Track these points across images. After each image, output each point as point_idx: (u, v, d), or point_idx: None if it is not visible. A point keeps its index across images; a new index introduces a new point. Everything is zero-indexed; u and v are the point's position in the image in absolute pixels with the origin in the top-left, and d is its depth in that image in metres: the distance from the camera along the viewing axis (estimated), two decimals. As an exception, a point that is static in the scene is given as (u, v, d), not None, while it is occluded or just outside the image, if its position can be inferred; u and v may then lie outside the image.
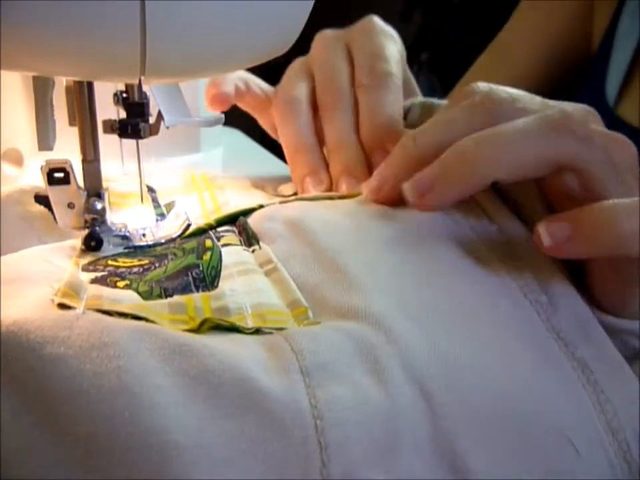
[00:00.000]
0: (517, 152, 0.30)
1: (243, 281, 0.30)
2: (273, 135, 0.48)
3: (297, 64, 0.46)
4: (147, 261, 0.33)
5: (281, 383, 0.23)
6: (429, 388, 0.24)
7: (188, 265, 0.32)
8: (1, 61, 0.29)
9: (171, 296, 0.29)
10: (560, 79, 0.70)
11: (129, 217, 0.39)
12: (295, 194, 0.42)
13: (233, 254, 0.33)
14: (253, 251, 0.33)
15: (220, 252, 0.33)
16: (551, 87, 0.68)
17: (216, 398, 0.22)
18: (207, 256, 0.32)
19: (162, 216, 0.40)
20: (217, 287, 0.30)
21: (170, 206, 0.41)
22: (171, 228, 0.39)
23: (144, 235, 0.38)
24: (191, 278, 0.31)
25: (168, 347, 0.24)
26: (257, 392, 0.22)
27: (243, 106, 0.48)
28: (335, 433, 0.22)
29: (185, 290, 0.30)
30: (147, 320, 0.26)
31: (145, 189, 0.41)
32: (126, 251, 0.37)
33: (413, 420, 0.24)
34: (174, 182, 0.46)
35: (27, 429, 0.22)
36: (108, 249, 0.36)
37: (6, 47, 0.28)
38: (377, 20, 0.45)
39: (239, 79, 0.46)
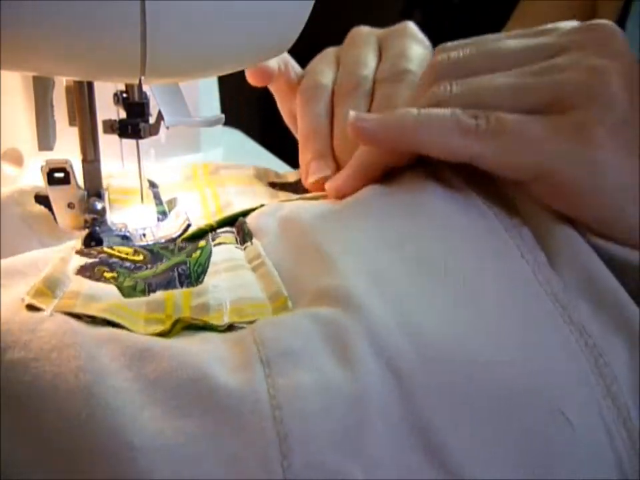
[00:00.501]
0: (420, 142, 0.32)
1: (228, 277, 0.30)
2: (289, 124, 0.48)
3: (326, 52, 0.47)
4: (141, 257, 0.33)
5: (240, 377, 0.23)
6: (399, 364, 0.23)
7: (176, 262, 0.32)
8: (1, 60, 0.29)
9: (154, 291, 0.29)
10: None
11: (130, 216, 0.39)
12: (299, 180, 0.42)
13: (223, 252, 0.33)
14: (245, 248, 0.33)
15: (210, 250, 0.33)
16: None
17: (175, 399, 0.22)
18: (196, 254, 0.32)
19: (163, 214, 0.40)
20: (201, 282, 0.30)
21: (172, 203, 0.41)
22: (171, 228, 0.39)
23: (144, 235, 0.38)
24: (176, 274, 0.30)
25: (129, 353, 0.24)
26: (215, 389, 0.22)
27: (273, 87, 0.47)
28: (295, 421, 0.22)
29: (168, 285, 0.30)
30: (117, 325, 0.26)
31: (145, 186, 0.41)
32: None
33: (382, 399, 0.23)
34: (175, 176, 0.45)
35: (4, 433, 0.22)
36: (108, 248, 0.36)
37: (6, 47, 0.28)
38: (411, 25, 0.46)
39: (280, 59, 0.46)
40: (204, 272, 0.31)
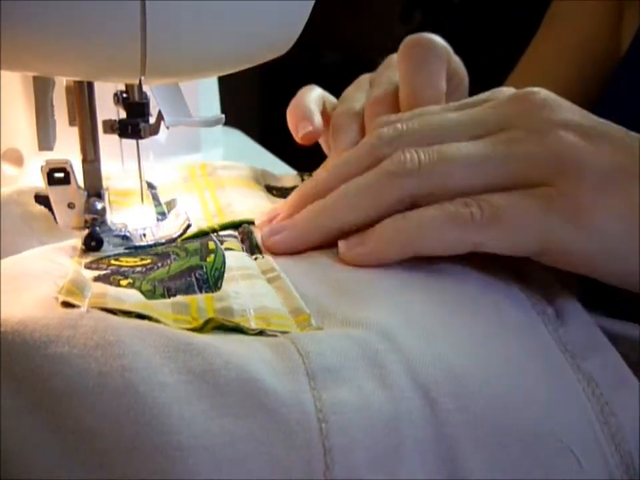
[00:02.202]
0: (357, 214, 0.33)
1: (246, 285, 0.30)
2: (326, 152, 0.48)
3: (361, 79, 0.47)
4: (149, 260, 0.33)
5: (287, 385, 0.23)
6: (433, 394, 0.24)
7: (191, 266, 0.32)
8: (1, 60, 0.29)
9: (174, 296, 0.29)
10: (593, 84, 0.69)
11: (130, 216, 0.39)
12: (296, 186, 0.42)
13: (236, 258, 0.33)
14: (256, 259, 0.33)
15: (223, 254, 0.33)
16: (585, 92, 0.67)
17: (221, 397, 0.22)
18: (210, 258, 0.32)
19: (162, 215, 0.40)
20: (219, 288, 0.30)
21: (171, 205, 0.41)
22: (171, 228, 0.39)
23: (144, 235, 0.38)
24: (194, 279, 0.31)
25: (172, 344, 0.24)
26: (263, 393, 0.22)
27: None
28: (339, 436, 0.22)
29: (188, 290, 0.30)
30: (150, 319, 0.26)
31: (145, 187, 0.41)
32: (127, 251, 0.37)
33: (417, 425, 0.24)
34: (173, 177, 0.45)
35: (30, 428, 0.22)
36: (108, 249, 0.36)
37: (6, 47, 0.28)
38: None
39: (317, 97, 0.45)
40: (221, 277, 0.31)
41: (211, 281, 0.31)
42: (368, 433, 0.23)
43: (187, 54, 0.31)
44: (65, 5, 0.26)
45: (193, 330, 0.26)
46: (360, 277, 0.31)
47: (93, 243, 0.36)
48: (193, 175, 0.45)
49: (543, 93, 0.33)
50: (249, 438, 0.22)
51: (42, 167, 0.36)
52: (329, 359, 0.24)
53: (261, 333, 0.26)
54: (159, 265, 0.33)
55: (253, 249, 0.35)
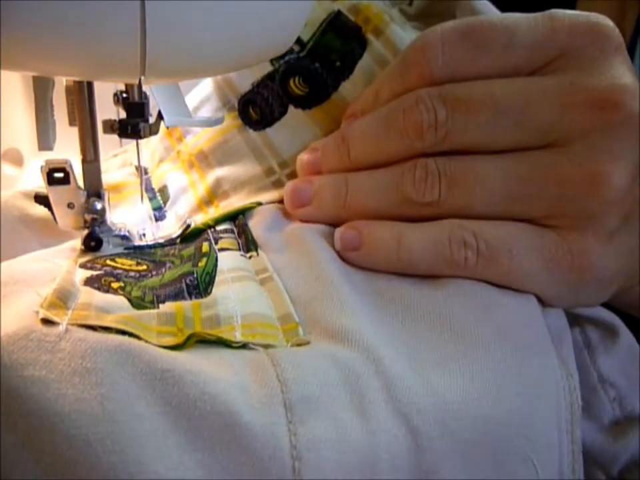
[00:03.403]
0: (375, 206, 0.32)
1: (237, 288, 0.30)
2: None
3: None
4: (144, 267, 0.33)
5: (263, 417, 0.23)
6: (415, 422, 0.24)
7: (183, 273, 0.31)
8: (1, 60, 0.29)
9: (163, 302, 0.29)
10: None
11: (129, 215, 0.39)
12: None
13: (229, 259, 0.33)
14: (250, 257, 0.33)
15: (216, 257, 0.32)
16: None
17: (196, 430, 0.22)
18: (202, 262, 0.32)
19: (159, 209, 0.40)
20: (210, 293, 0.30)
21: (164, 193, 0.41)
22: (170, 228, 0.39)
23: (144, 235, 0.38)
24: (184, 285, 0.30)
25: (150, 372, 0.23)
26: (237, 426, 0.22)
27: None
28: (312, 474, 0.22)
29: (177, 297, 0.30)
30: (131, 334, 0.26)
31: (135, 173, 0.40)
32: (125, 251, 0.36)
33: (395, 455, 0.23)
34: (158, 151, 0.44)
35: (9, 448, 0.22)
36: (108, 249, 0.36)
37: (6, 47, 0.28)
38: None
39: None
40: (212, 282, 0.31)
41: (202, 286, 0.30)
42: (342, 468, 0.23)
43: (187, 54, 0.31)
44: (65, 5, 0.26)
45: (176, 346, 0.26)
46: (353, 278, 0.30)
47: (92, 243, 0.36)
48: (171, 140, 0.44)
49: (634, 104, 0.29)
50: (222, 472, 0.22)
51: (42, 167, 0.36)
52: (309, 387, 0.24)
53: (244, 345, 0.26)
54: (153, 273, 0.32)
55: (249, 244, 0.34)
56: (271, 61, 0.39)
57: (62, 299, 0.28)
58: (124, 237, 0.37)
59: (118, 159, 0.45)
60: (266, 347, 0.26)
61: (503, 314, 0.29)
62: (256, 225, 0.36)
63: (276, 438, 0.22)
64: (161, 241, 0.38)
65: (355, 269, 0.32)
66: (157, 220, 0.40)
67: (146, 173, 0.43)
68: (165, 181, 0.42)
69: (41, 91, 0.37)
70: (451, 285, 0.30)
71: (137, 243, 0.38)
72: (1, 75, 0.48)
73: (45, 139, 0.37)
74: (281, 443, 0.22)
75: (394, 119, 0.32)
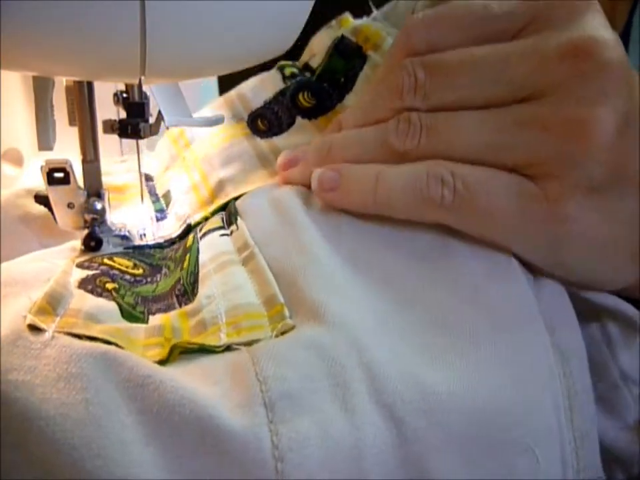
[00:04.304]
0: (394, 197, 0.31)
1: (220, 279, 0.30)
2: None
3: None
4: (141, 271, 0.33)
5: (244, 419, 0.22)
6: (400, 414, 0.24)
7: (174, 282, 0.31)
8: (1, 60, 0.29)
9: (154, 314, 0.29)
10: None
11: (129, 215, 0.39)
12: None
13: (210, 247, 0.32)
14: (232, 232, 0.33)
15: (197, 249, 0.32)
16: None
17: (178, 436, 0.22)
18: (185, 262, 0.32)
19: (161, 211, 0.40)
20: (196, 294, 0.30)
21: (167, 197, 0.41)
22: (170, 228, 0.39)
23: (144, 235, 0.38)
24: (175, 299, 0.30)
25: (132, 379, 0.23)
26: (218, 430, 0.22)
27: None
28: (296, 474, 0.22)
29: (168, 309, 0.30)
30: (117, 345, 0.26)
31: (144, 182, 0.40)
32: (124, 251, 0.37)
33: (381, 450, 0.23)
34: (163, 159, 0.45)
35: (7, 449, 0.22)
36: (108, 248, 0.36)
37: (6, 47, 0.28)
38: None
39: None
40: (196, 281, 0.30)
41: (189, 289, 0.30)
42: (327, 466, 0.22)
43: (187, 54, 0.31)
44: (65, 5, 0.26)
45: (160, 362, 0.26)
46: (341, 251, 0.30)
47: (92, 243, 0.36)
48: (177, 147, 0.44)
49: (608, 53, 0.29)
50: (204, 477, 0.22)
51: (42, 167, 0.36)
52: (289, 383, 0.23)
53: (228, 347, 0.26)
54: (148, 280, 0.32)
55: (230, 217, 0.34)
56: (284, 79, 0.41)
57: (52, 303, 0.28)
58: (124, 237, 0.37)
59: (124, 165, 0.45)
60: (250, 343, 0.26)
61: (492, 301, 0.28)
62: (243, 198, 0.36)
63: (257, 439, 0.22)
64: (161, 241, 0.38)
65: (342, 241, 0.31)
66: (157, 220, 0.40)
67: (151, 179, 0.43)
68: (168, 186, 0.42)
69: (41, 90, 0.37)
70: (440, 269, 0.30)
71: (137, 242, 0.38)
72: (1, 74, 0.48)
73: (45, 139, 0.37)
74: (263, 444, 0.22)
75: (380, 88, 0.34)
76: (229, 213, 0.35)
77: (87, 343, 0.25)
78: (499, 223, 0.30)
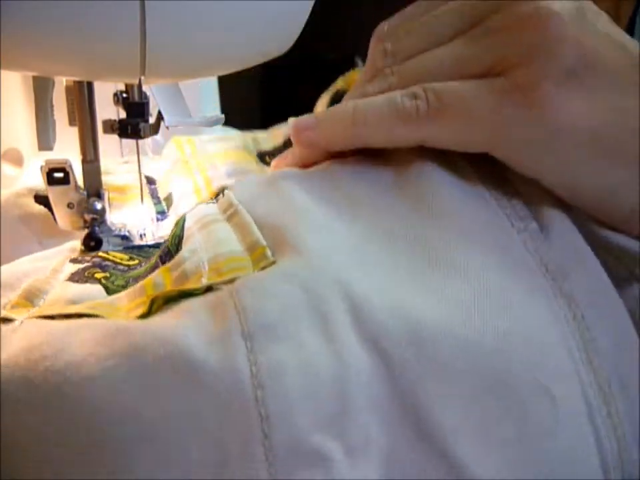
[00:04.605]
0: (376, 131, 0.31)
1: (203, 237, 0.29)
2: None
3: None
4: (136, 261, 0.33)
5: (220, 351, 0.22)
6: (385, 344, 0.23)
7: (160, 252, 0.31)
8: (1, 60, 0.29)
9: None
10: None
11: (129, 215, 0.39)
12: (289, 140, 0.43)
13: (197, 212, 0.32)
14: (217, 200, 0.32)
15: (184, 218, 0.32)
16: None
17: (152, 376, 0.21)
18: (173, 230, 0.31)
19: (162, 213, 0.40)
20: (180, 251, 0.29)
21: (169, 200, 0.41)
22: (170, 228, 0.39)
23: (144, 235, 0.38)
24: (159, 260, 0.30)
25: (104, 333, 0.23)
26: (193, 365, 0.21)
27: None
28: (277, 402, 0.21)
29: (152, 272, 0.29)
30: (94, 317, 0.25)
31: (144, 183, 0.40)
32: (123, 250, 0.36)
33: (367, 380, 0.22)
34: (166, 163, 0.45)
35: None
36: (107, 248, 0.36)
37: (6, 47, 0.28)
38: None
39: None
40: (180, 241, 0.30)
41: (172, 249, 0.30)
42: (310, 396, 0.21)
43: (187, 54, 0.31)
44: (65, 5, 0.26)
45: (142, 317, 0.25)
46: (329, 205, 0.29)
47: (92, 243, 0.36)
48: (182, 152, 0.44)
49: (565, 17, 0.29)
50: (182, 415, 0.21)
51: (42, 167, 0.36)
52: (269, 314, 0.23)
53: (210, 289, 0.25)
54: (143, 264, 0.32)
55: (219, 193, 0.34)
56: None
57: (29, 298, 0.28)
58: (124, 237, 0.37)
59: (126, 167, 0.45)
60: (231, 281, 0.25)
61: (481, 241, 0.27)
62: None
63: (235, 370, 0.21)
64: (161, 241, 0.38)
65: (330, 197, 0.30)
66: (157, 221, 0.40)
67: (154, 182, 0.43)
68: (170, 189, 0.42)
69: (41, 90, 0.37)
70: (420, 202, 0.29)
71: (137, 242, 0.38)
72: (1, 74, 0.48)
73: (45, 139, 0.37)
74: (241, 374, 0.21)
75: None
76: (218, 191, 0.34)
77: (59, 321, 0.25)
78: (477, 126, 0.29)
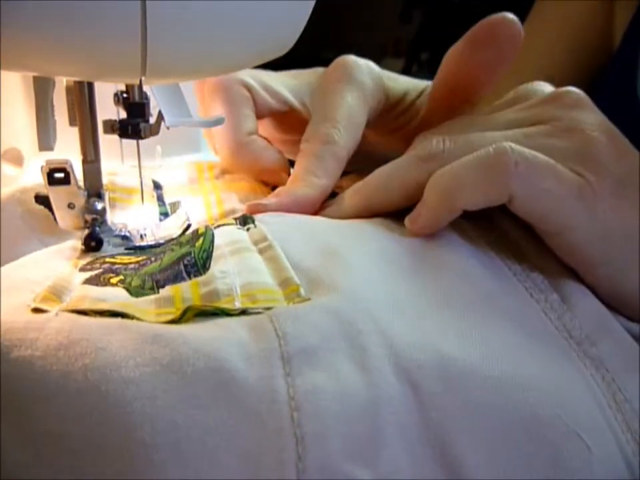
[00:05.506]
0: (467, 189, 0.31)
1: (235, 261, 0.29)
2: None
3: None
4: (144, 257, 0.33)
5: (260, 371, 0.22)
6: (417, 377, 0.23)
7: (182, 254, 0.31)
8: (1, 60, 0.29)
9: (163, 287, 0.29)
10: (583, 76, 0.69)
11: (131, 215, 0.39)
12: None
13: (225, 234, 0.32)
14: (248, 229, 0.33)
15: (212, 233, 0.32)
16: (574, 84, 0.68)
17: (189, 387, 0.22)
18: (199, 242, 0.31)
19: (165, 215, 0.40)
20: (208, 269, 0.29)
21: (175, 206, 0.41)
22: (171, 228, 0.39)
23: (144, 235, 0.38)
24: (182, 266, 0.30)
25: (140, 337, 0.23)
26: (233, 381, 0.22)
27: None
28: (312, 424, 0.21)
29: (176, 279, 0.29)
30: (126, 317, 0.25)
31: (150, 187, 0.40)
32: (126, 251, 0.36)
33: (399, 410, 0.23)
34: (180, 177, 0.45)
35: (8, 428, 0.22)
36: (108, 249, 0.36)
37: (6, 47, 0.28)
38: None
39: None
40: (209, 257, 0.30)
41: (199, 263, 0.30)
42: (344, 419, 0.22)
43: (187, 54, 0.31)
44: (65, 5, 0.26)
45: (173, 322, 0.25)
46: (354, 249, 0.30)
47: (92, 243, 0.36)
48: (200, 177, 0.45)
49: (576, 92, 0.34)
50: (218, 430, 0.21)
51: (42, 167, 0.35)
52: (307, 339, 0.23)
53: (244, 312, 0.25)
54: (152, 259, 0.32)
55: (246, 219, 0.34)
56: None
57: (56, 294, 0.28)
58: (124, 237, 0.37)
59: (135, 170, 0.45)
60: (267, 308, 0.25)
61: (501, 307, 0.29)
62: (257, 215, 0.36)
63: (273, 390, 0.22)
64: (162, 241, 0.38)
65: (361, 240, 0.31)
66: (159, 220, 0.40)
67: (160, 188, 0.43)
68: (179, 197, 0.42)
69: (42, 90, 0.37)
70: (446, 262, 0.30)
71: (138, 243, 0.38)
72: (1, 74, 0.48)
73: (46, 139, 0.37)
74: (279, 395, 0.22)
75: None
76: (243, 217, 0.35)
77: (94, 318, 0.25)
78: (557, 206, 0.30)
